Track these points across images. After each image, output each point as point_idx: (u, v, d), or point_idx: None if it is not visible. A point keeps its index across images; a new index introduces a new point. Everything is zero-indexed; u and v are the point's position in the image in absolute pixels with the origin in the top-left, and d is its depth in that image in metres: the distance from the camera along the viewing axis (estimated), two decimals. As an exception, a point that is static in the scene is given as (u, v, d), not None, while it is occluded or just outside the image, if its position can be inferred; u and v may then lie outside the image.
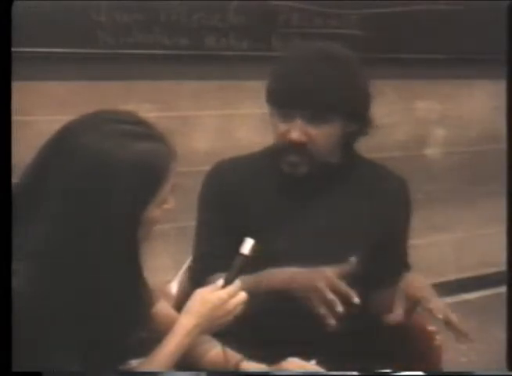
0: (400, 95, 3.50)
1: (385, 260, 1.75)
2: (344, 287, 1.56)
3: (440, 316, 1.56)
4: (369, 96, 1.72)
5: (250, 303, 1.45)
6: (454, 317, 1.56)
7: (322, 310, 1.55)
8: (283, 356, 1.53)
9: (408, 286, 1.65)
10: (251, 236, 1.47)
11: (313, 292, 1.57)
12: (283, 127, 1.69)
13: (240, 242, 1.48)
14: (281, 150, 1.72)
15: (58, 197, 1.27)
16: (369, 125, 1.74)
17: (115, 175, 1.27)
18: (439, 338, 1.80)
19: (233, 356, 1.53)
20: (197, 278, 1.74)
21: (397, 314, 1.61)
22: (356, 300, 1.54)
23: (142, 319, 1.46)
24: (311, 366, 1.54)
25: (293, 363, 1.52)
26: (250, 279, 1.55)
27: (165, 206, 1.36)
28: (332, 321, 1.54)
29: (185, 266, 1.93)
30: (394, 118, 3.45)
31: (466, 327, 1.56)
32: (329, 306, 1.54)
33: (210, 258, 1.75)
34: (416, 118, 3.62)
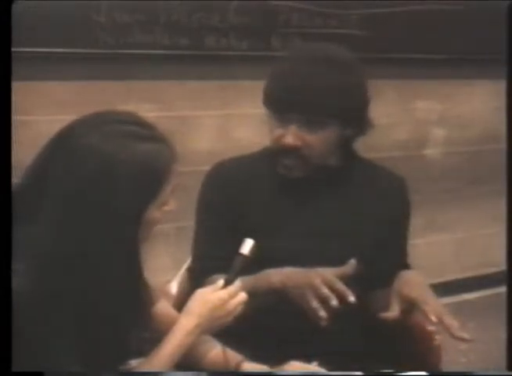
0: (400, 95, 3.50)
1: (385, 260, 1.75)
2: (340, 285, 1.55)
3: (434, 319, 1.55)
4: (367, 100, 1.71)
5: (249, 303, 1.44)
6: (449, 319, 1.55)
7: (314, 304, 1.54)
8: (284, 356, 1.52)
9: (403, 284, 1.65)
10: (251, 237, 1.47)
11: (308, 289, 1.56)
12: (278, 131, 1.69)
13: (240, 242, 1.48)
14: (276, 153, 1.72)
15: (58, 197, 1.27)
16: (368, 127, 1.74)
17: (116, 176, 1.27)
18: (439, 338, 1.79)
19: (234, 356, 1.53)
20: (197, 278, 1.74)
21: (392, 311, 1.61)
22: (352, 299, 1.53)
23: (143, 319, 1.46)
24: (313, 367, 1.53)
25: (295, 366, 1.51)
26: (248, 279, 1.55)
27: (165, 207, 1.36)
28: (323, 313, 1.52)
29: (185, 266, 1.93)
30: (394, 118, 3.45)
31: (466, 327, 1.55)
32: (323, 301, 1.53)
33: (209, 258, 1.75)
34: (416, 118, 3.62)
